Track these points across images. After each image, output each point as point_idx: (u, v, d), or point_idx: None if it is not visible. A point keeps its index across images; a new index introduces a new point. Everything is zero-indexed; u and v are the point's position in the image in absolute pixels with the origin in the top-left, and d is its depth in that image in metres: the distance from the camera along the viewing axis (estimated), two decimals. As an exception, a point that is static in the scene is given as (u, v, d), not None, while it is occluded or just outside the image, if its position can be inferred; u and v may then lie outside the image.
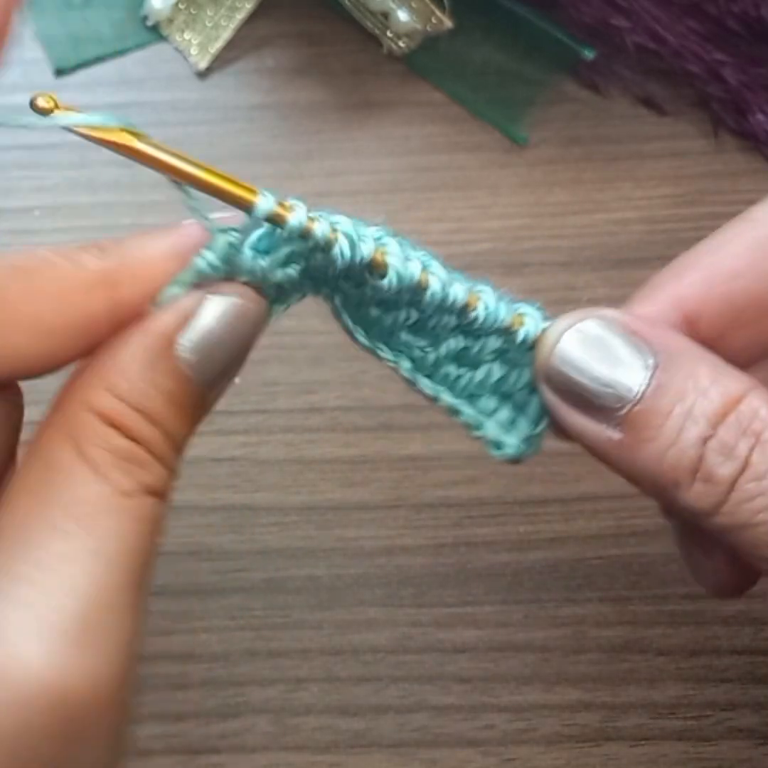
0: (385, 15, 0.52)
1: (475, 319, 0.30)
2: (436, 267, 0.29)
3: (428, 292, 0.29)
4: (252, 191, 0.28)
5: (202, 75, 0.55)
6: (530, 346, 0.30)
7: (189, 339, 0.27)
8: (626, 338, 0.29)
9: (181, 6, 0.55)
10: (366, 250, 0.28)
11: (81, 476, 0.25)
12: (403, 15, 0.52)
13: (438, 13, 0.52)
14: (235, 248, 0.28)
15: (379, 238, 0.29)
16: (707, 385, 0.28)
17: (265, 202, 0.28)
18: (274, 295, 0.29)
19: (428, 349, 0.31)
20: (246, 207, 0.28)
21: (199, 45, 0.54)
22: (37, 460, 0.26)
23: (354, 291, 0.30)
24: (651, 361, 0.28)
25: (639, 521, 0.45)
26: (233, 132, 0.53)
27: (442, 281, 0.29)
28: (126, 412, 0.26)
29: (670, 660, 0.43)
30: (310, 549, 0.45)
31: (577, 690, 0.43)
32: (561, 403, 0.30)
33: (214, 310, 0.28)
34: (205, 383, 0.27)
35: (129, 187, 0.52)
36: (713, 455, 0.27)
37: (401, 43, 0.54)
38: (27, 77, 0.54)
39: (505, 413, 0.32)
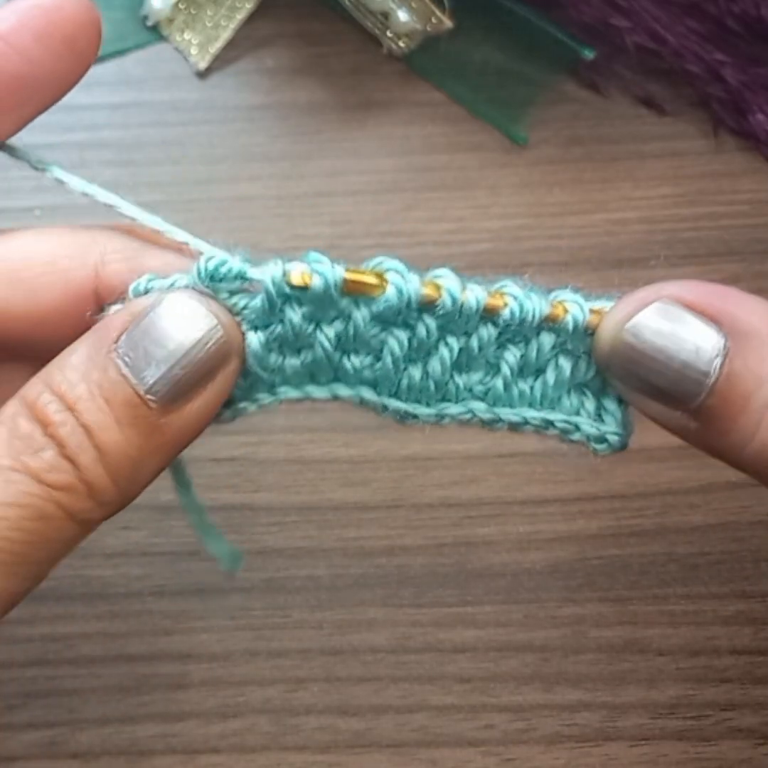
0: (385, 15, 0.52)
1: (512, 315, 0.28)
2: (443, 272, 0.28)
3: (443, 299, 0.28)
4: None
5: (202, 75, 0.55)
6: (584, 330, 0.28)
7: (129, 332, 0.26)
8: (692, 323, 0.26)
9: (181, 6, 0.55)
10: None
11: None
12: (403, 15, 0.52)
13: (438, 13, 0.52)
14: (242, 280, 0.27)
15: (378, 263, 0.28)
16: None
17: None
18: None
19: (490, 379, 0.30)
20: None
21: (199, 45, 0.54)
22: None
23: (376, 363, 0.29)
24: (721, 345, 0.26)
25: (639, 521, 0.45)
26: (233, 132, 0.53)
27: (454, 284, 0.28)
28: (44, 396, 0.26)
29: (670, 660, 0.43)
30: (310, 549, 0.45)
31: (577, 690, 0.43)
32: (633, 394, 0.28)
33: (165, 308, 0.26)
34: (147, 387, 0.26)
35: (129, 187, 0.51)
36: None
37: (401, 43, 0.53)
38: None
39: (590, 404, 0.30)
